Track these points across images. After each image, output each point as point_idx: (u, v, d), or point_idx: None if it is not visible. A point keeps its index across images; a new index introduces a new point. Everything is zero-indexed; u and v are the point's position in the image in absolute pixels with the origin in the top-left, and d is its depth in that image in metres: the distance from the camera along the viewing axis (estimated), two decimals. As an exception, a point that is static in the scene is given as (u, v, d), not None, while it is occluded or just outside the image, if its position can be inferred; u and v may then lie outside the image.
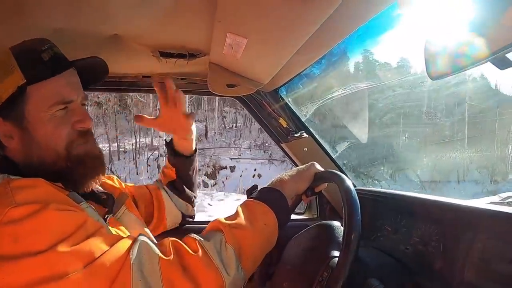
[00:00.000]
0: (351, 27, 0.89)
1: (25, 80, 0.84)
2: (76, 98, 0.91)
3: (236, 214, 0.89)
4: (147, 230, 1.09)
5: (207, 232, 0.86)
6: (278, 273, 0.97)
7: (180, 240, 0.83)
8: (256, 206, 0.91)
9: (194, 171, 1.36)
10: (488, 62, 0.62)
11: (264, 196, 0.94)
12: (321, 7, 0.73)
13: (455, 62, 0.68)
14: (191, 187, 1.36)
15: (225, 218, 0.88)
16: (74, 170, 0.90)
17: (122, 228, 0.97)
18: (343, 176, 0.94)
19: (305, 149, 1.57)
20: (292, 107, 1.58)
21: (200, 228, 1.47)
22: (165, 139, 1.35)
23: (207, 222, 1.58)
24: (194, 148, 1.32)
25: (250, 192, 1.01)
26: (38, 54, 0.86)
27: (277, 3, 0.74)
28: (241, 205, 0.93)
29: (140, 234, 0.81)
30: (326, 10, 0.74)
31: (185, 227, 1.41)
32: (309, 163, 1.06)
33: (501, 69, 0.62)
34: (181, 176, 1.32)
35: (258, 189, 1.00)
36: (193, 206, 1.38)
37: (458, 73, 0.69)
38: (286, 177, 1.01)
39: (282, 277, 0.99)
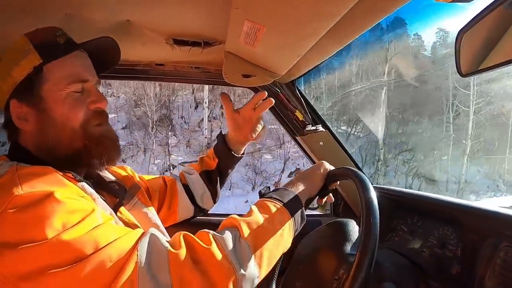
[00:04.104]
0: (374, 19, 0.85)
1: (41, 60, 0.85)
2: (91, 79, 0.91)
3: (251, 212, 0.87)
4: (159, 222, 1.07)
5: (222, 228, 0.84)
6: (290, 272, 0.95)
7: (193, 234, 0.80)
8: (271, 205, 0.89)
9: (231, 172, 1.39)
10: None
11: (279, 196, 0.93)
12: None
13: (488, 59, 0.64)
14: (222, 184, 1.37)
15: (240, 215, 0.87)
16: (91, 150, 0.89)
17: (132, 219, 0.95)
18: (361, 173, 0.91)
19: (321, 143, 1.54)
20: (309, 100, 1.54)
21: (211, 221, 1.47)
22: (221, 130, 1.38)
23: (217, 215, 1.57)
24: (243, 151, 1.35)
25: (262, 193, 1.00)
26: (54, 38, 0.88)
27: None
28: (255, 204, 0.91)
29: (150, 228, 0.79)
30: (350, 1, 0.70)
31: (196, 220, 1.41)
32: (318, 163, 1.07)
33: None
34: (220, 169, 1.34)
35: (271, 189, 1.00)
36: (214, 202, 1.38)
37: (491, 70, 0.64)
38: (299, 180, 1.00)
39: (294, 276, 0.97)
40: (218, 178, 1.34)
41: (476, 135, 14.97)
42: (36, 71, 0.85)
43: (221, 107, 15.92)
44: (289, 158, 14.79)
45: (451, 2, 0.54)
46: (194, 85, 15.66)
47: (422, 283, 1.03)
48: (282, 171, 14.28)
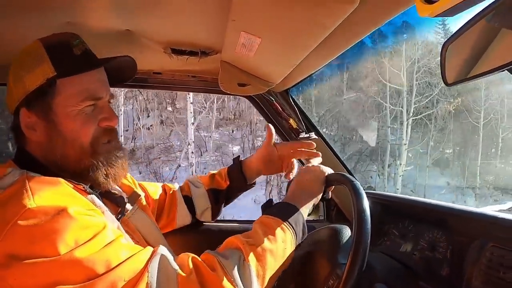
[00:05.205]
0: (367, 30, 0.88)
1: (56, 73, 0.82)
2: (105, 95, 0.89)
3: (254, 232, 0.88)
4: (157, 230, 1.09)
5: (225, 249, 0.85)
6: (284, 273, 0.96)
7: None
8: (273, 223, 0.90)
9: (239, 195, 1.39)
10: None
11: (281, 213, 0.93)
12: (337, 9, 0.72)
13: (472, 68, 0.67)
14: (226, 204, 1.38)
15: (243, 236, 0.87)
16: (98, 168, 0.87)
17: (133, 227, 0.96)
18: (356, 181, 0.91)
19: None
20: (302, 108, 1.57)
21: (208, 227, 1.48)
22: (239, 156, 1.38)
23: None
24: (254, 181, 1.35)
25: (265, 207, 1.01)
26: (70, 48, 0.85)
27: (292, 3, 0.73)
28: (257, 222, 0.92)
29: (160, 246, 0.80)
30: (342, 13, 0.73)
31: (193, 226, 1.40)
32: (318, 171, 1.04)
33: (518, 78, 0.61)
34: (230, 192, 1.34)
35: (274, 204, 1.00)
36: (213, 219, 1.38)
37: (475, 80, 0.68)
38: (299, 190, 1.00)
39: (288, 278, 0.98)
40: (225, 199, 1.34)
41: (438, 140, 14.17)
42: (49, 83, 0.82)
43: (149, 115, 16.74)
44: (192, 164, 15.00)
45: (435, 17, 0.58)
46: (142, 94, 15.85)
47: (413, 285, 1.05)
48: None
